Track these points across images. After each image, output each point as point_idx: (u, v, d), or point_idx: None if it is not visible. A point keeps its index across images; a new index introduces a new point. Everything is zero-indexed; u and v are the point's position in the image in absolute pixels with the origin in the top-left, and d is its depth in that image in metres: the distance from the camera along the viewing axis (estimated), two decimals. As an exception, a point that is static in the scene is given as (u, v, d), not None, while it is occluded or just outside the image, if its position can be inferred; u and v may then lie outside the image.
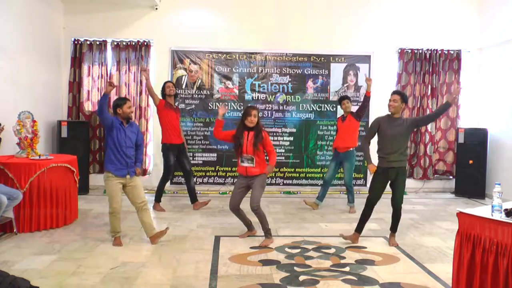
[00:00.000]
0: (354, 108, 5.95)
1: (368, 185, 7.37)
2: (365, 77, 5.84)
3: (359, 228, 4.47)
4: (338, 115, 7.06)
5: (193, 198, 5.93)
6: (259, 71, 7.24)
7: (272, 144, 4.54)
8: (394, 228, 4.45)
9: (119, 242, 4.25)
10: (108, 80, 3.97)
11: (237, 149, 4.41)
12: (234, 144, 4.48)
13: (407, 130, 4.30)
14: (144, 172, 7.15)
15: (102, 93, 3.80)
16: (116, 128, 4.22)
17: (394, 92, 4.40)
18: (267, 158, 4.48)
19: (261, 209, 4.43)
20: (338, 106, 7.13)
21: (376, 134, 4.44)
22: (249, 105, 5.28)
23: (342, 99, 5.84)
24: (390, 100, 4.31)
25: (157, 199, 5.83)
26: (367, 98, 5.69)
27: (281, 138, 7.31)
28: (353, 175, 6.76)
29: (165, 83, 5.86)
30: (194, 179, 7.07)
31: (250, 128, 4.36)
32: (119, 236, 4.30)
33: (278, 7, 7.24)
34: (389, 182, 4.38)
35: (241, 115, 4.59)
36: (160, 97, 5.82)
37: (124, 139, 4.24)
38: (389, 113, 4.37)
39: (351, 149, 5.78)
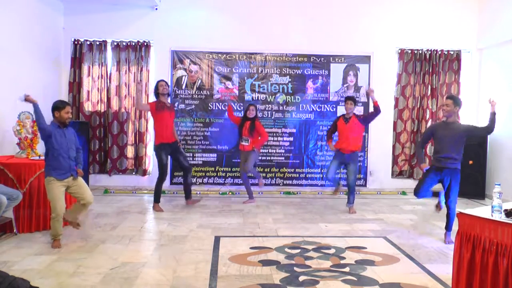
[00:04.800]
0: (357, 111, 5.93)
1: (369, 185, 7.42)
2: (366, 89, 5.83)
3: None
4: (338, 115, 7.08)
5: (187, 194, 5.96)
6: (259, 72, 7.24)
7: (264, 130, 6.29)
8: (448, 227, 4.60)
9: (58, 244, 4.16)
10: (26, 95, 4.00)
11: (239, 133, 6.22)
12: (238, 128, 6.28)
13: (460, 136, 4.46)
14: (144, 172, 7.17)
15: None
16: (55, 133, 4.14)
17: (447, 97, 4.62)
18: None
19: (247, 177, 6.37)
20: (338, 107, 7.18)
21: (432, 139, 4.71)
22: (250, 102, 6.70)
23: (347, 99, 5.77)
24: (443, 105, 4.57)
25: (156, 200, 5.83)
26: (376, 108, 5.60)
27: (281, 139, 7.31)
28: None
29: (157, 82, 5.82)
30: (194, 180, 7.09)
31: (249, 118, 6.10)
32: (59, 239, 4.20)
33: (278, 7, 7.24)
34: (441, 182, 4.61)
35: (241, 115, 6.44)
36: (154, 97, 5.85)
37: (66, 141, 4.19)
38: (444, 118, 4.60)
39: (357, 151, 5.81)
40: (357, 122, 5.71)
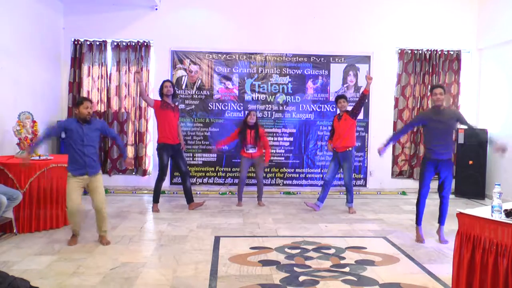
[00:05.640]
0: (349, 108, 5.97)
1: (369, 185, 7.42)
2: (367, 74, 5.87)
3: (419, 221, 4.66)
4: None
5: (189, 198, 5.93)
6: (259, 72, 7.24)
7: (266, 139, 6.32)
8: (441, 220, 4.59)
9: (73, 241, 4.22)
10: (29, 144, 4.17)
11: (243, 141, 6.13)
12: (240, 137, 6.16)
13: (453, 122, 4.46)
14: (144, 173, 7.16)
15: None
16: (71, 128, 4.17)
17: (438, 86, 4.50)
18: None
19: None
20: (338, 107, 7.19)
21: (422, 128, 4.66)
22: (250, 108, 6.82)
23: (338, 98, 5.89)
24: (436, 94, 4.41)
25: (155, 200, 5.82)
26: (364, 96, 5.72)
27: (281, 139, 7.31)
28: (353, 176, 6.79)
29: (163, 82, 5.83)
30: (194, 180, 7.09)
31: (250, 125, 6.07)
32: (75, 236, 4.24)
33: (278, 7, 7.24)
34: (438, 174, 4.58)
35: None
36: (158, 96, 5.84)
37: (82, 137, 4.17)
38: (436, 106, 4.48)
39: (349, 149, 5.79)
40: (348, 117, 5.76)
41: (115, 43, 7.03)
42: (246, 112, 6.58)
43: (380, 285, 3.36)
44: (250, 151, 6.08)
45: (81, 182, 4.22)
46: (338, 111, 5.96)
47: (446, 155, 4.45)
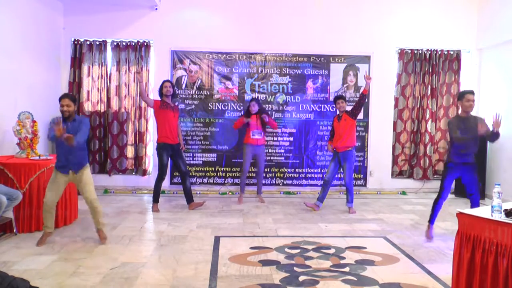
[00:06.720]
0: (349, 108, 5.99)
1: (368, 185, 7.41)
2: (365, 74, 5.89)
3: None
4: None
5: (189, 198, 5.93)
6: (259, 71, 7.24)
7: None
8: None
9: (42, 240, 4.17)
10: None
11: (249, 126, 6.21)
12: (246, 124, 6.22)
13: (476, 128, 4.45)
14: (144, 172, 7.16)
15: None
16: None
17: (471, 92, 4.44)
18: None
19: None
20: (338, 107, 7.18)
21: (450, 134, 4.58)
22: (250, 98, 6.78)
23: (337, 99, 5.90)
24: (469, 101, 4.39)
25: (155, 200, 5.82)
26: (363, 96, 5.72)
27: (281, 139, 7.31)
28: (353, 176, 6.79)
29: (162, 82, 5.84)
30: (194, 180, 7.09)
31: (255, 113, 6.20)
32: (47, 233, 4.22)
33: (278, 7, 7.24)
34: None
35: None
36: (158, 96, 5.84)
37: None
38: (466, 112, 4.45)
39: (350, 148, 5.80)
40: (347, 118, 5.78)
41: (115, 43, 7.03)
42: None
43: (380, 285, 3.36)
44: (256, 136, 6.18)
45: (65, 178, 4.21)
46: (338, 112, 5.97)
47: (470, 159, 4.44)
